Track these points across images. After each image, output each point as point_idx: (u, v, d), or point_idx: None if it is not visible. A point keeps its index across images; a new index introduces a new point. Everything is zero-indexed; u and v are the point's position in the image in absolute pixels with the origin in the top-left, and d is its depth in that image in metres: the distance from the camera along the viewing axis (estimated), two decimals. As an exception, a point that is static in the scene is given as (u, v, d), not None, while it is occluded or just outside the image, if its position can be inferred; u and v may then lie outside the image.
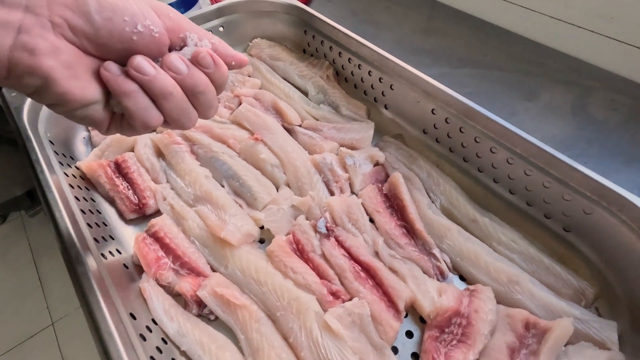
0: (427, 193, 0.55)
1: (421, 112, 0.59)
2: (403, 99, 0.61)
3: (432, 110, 0.57)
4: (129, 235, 0.52)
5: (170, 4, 0.75)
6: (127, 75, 0.27)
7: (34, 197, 1.61)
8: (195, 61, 0.29)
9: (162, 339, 0.41)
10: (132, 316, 0.38)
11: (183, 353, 0.41)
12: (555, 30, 0.78)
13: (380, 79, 0.63)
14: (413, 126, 0.62)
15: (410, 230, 0.51)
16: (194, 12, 0.72)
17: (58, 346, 1.29)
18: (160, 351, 0.38)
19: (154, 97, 0.28)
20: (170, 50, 0.30)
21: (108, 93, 0.28)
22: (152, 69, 0.27)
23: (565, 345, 0.40)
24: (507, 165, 0.51)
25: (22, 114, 0.52)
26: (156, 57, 0.29)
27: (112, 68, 0.27)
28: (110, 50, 0.27)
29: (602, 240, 0.45)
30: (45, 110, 0.57)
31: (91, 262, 0.39)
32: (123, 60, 0.28)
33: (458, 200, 0.53)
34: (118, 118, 0.31)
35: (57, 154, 0.53)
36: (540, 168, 0.47)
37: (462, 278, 0.48)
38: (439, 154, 0.59)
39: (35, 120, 0.54)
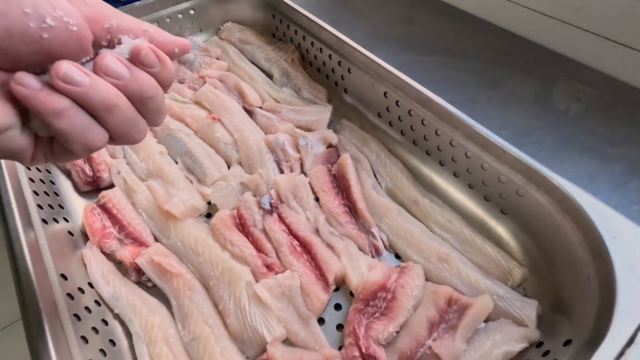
0: (375, 175, 0.56)
1: (375, 96, 0.60)
2: (360, 83, 0.62)
3: (385, 93, 0.58)
4: (80, 207, 0.54)
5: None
6: (52, 88, 0.21)
7: None
8: (136, 60, 0.24)
9: (96, 301, 0.42)
10: (64, 277, 0.40)
11: (116, 316, 0.43)
12: (525, 20, 0.78)
13: (339, 62, 0.64)
14: (369, 110, 0.63)
15: (352, 209, 0.52)
16: (162, -7, 0.73)
17: None
18: (90, 311, 0.40)
19: (94, 111, 0.23)
20: (95, 47, 0.23)
21: (24, 113, 0.22)
22: (85, 77, 0.21)
23: (486, 322, 0.41)
24: (450, 148, 0.51)
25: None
26: (79, 59, 0.23)
27: (27, 81, 0.21)
28: (15, 57, 0.20)
29: (532, 222, 0.45)
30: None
31: (25, 223, 0.41)
32: (34, 69, 0.21)
33: (402, 181, 0.53)
34: (45, 143, 0.24)
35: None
36: (479, 150, 0.48)
37: (397, 257, 0.49)
38: (391, 138, 0.60)
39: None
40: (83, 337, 0.36)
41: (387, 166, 0.55)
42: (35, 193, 0.47)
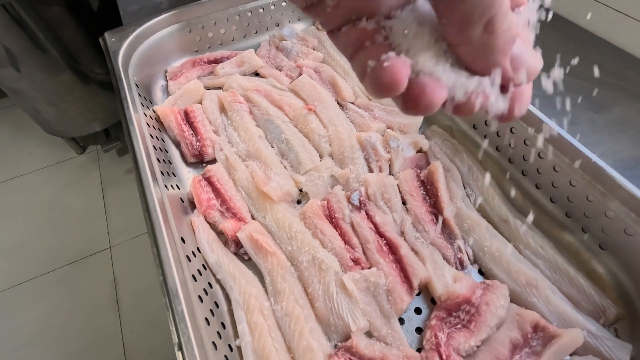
0: (465, 187, 0.56)
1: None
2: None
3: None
4: (187, 176, 0.59)
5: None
6: None
7: (110, 135, 1.80)
8: None
9: (203, 265, 0.48)
10: (182, 240, 0.45)
11: (218, 281, 0.48)
12: (646, 40, 0.71)
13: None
14: (463, 119, 0.62)
15: (439, 218, 0.53)
16: (273, -19, 0.76)
17: (112, 268, 1.47)
18: (200, 273, 0.45)
19: None
20: None
21: None
22: None
23: (571, 355, 0.41)
24: (552, 173, 0.50)
25: (118, 58, 0.60)
26: None
27: None
28: None
29: (637, 264, 0.43)
30: (135, 56, 0.65)
31: (157, 190, 0.47)
32: None
33: (494, 199, 0.53)
34: None
35: (140, 95, 0.61)
36: (587, 180, 0.46)
37: (481, 272, 0.49)
38: (485, 151, 0.59)
39: (127, 65, 0.62)
40: (199, 297, 0.41)
41: (479, 180, 0.55)
42: (158, 160, 0.52)
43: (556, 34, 0.82)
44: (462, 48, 0.17)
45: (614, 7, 0.74)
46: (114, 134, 1.65)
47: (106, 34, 0.64)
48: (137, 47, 0.66)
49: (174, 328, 0.35)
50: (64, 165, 1.85)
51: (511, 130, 0.54)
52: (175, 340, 0.35)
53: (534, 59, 0.18)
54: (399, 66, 0.16)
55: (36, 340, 1.22)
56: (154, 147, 0.54)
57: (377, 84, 0.16)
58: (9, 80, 1.22)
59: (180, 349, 0.34)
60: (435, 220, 0.53)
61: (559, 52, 0.78)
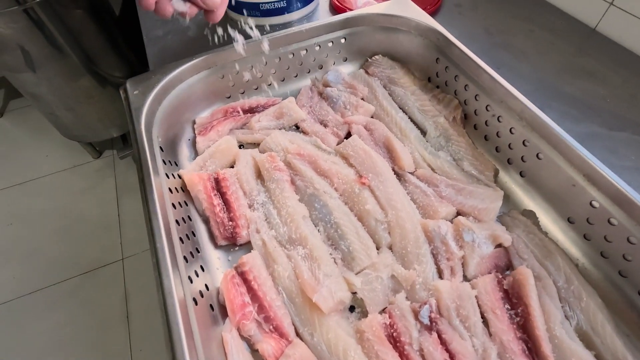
0: (562, 305, 0.44)
1: (573, 198, 0.47)
2: (551, 176, 0.50)
3: (591, 202, 0.45)
4: (215, 264, 0.50)
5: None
6: None
7: (127, 141, 1.75)
8: None
9: (237, 407, 0.38)
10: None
11: None
12: None
13: (524, 141, 0.52)
14: (557, 211, 0.51)
15: (532, 350, 0.42)
16: (320, 22, 0.65)
17: (124, 281, 1.42)
18: None
19: None
20: None
21: None
22: None
23: None
24: (690, 307, 0.38)
25: (141, 118, 0.51)
26: None
27: None
28: None
29: None
30: (160, 110, 0.56)
31: (181, 303, 0.37)
32: None
33: (604, 327, 0.42)
34: None
35: (165, 162, 0.52)
36: None
37: None
38: (585, 254, 0.48)
39: (151, 124, 0.53)
40: None
41: (583, 299, 0.44)
42: (181, 240, 0.43)
43: (622, 70, 0.69)
44: None
45: None
46: (131, 140, 1.60)
47: (128, 84, 0.55)
48: (163, 100, 0.56)
49: None
50: (79, 170, 1.83)
51: (629, 240, 0.42)
52: None
53: None
54: None
55: (48, 353, 1.20)
56: (180, 239, 0.44)
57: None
58: (28, 85, 1.21)
59: None
60: (526, 351, 0.42)
61: (631, 89, 0.65)
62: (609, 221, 0.44)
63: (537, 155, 0.51)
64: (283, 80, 0.69)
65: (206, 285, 0.45)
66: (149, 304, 1.33)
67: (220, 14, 0.45)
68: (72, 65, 1.18)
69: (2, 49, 1.07)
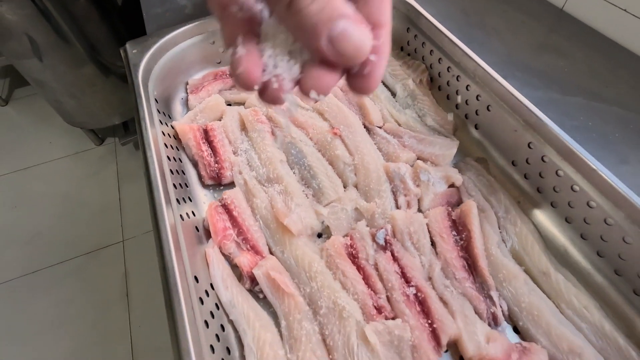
0: (500, 231, 0.51)
1: (515, 143, 0.54)
2: (499, 124, 0.57)
3: (529, 144, 0.52)
4: (203, 199, 0.57)
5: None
6: None
7: (128, 128, 1.81)
8: None
9: (216, 304, 0.45)
10: (196, 279, 0.43)
11: (230, 322, 0.45)
12: None
13: (478, 96, 0.59)
14: (502, 154, 0.57)
15: (471, 266, 0.49)
16: None
17: (124, 261, 1.48)
18: (213, 316, 0.42)
19: None
20: None
21: None
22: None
23: None
24: (603, 225, 0.45)
25: (139, 72, 0.58)
26: None
27: None
28: None
29: (700, 341, 0.38)
30: (156, 68, 0.63)
31: (171, 221, 0.44)
32: None
33: (533, 247, 0.49)
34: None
35: (159, 112, 0.59)
36: (644, 238, 0.41)
37: (516, 330, 0.45)
38: (524, 192, 0.54)
39: (147, 79, 0.60)
40: (211, 347, 0.38)
41: (517, 225, 0.50)
42: (174, 186, 0.50)
43: (606, 60, 0.76)
44: (287, 24, 0.19)
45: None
46: (132, 128, 1.65)
47: (128, 45, 0.62)
48: (159, 60, 0.63)
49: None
50: (82, 156, 1.88)
51: (557, 173, 0.49)
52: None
53: (361, 37, 0.18)
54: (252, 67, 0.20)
55: (49, 330, 1.24)
56: (171, 170, 0.51)
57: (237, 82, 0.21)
58: (33, 71, 1.25)
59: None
60: (467, 267, 0.49)
61: (609, 80, 0.72)
62: (542, 159, 0.51)
63: (487, 108, 0.58)
64: (269, 49, 0.76)
65: (193, 212, 0.52)
66: (148, 284, 1.38)
67: (376, 78, 0.21)
68: (76, 53, 1.22)
69: (8, 35, 1.11)
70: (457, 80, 0.62)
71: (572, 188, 0.48)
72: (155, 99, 0.60)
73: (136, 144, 1.73)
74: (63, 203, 1.65)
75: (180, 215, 0.47)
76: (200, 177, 0.59)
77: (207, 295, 0.44)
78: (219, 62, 0.73)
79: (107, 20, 1.25)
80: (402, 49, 0.75)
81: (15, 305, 1.30)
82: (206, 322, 0.40)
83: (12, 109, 2.12)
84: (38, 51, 1.18)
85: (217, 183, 0.58)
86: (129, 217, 1.61)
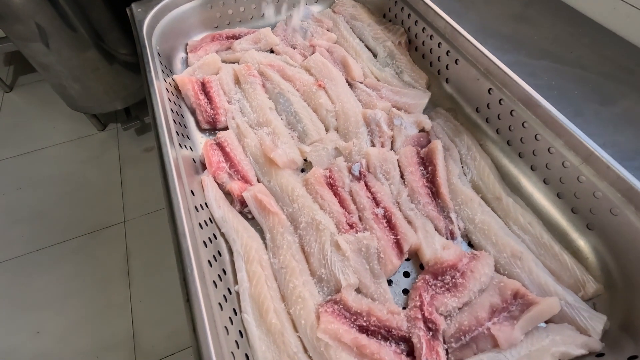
0: (462, 165, 0.58)
1: (478, 91, 0.61)
2: (464, 75, 0.63)
3: (489, 89, 0.59)
4: (200, 141, 0.63)
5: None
6: None
7: (130, 114, 1.87)
8: None
9: (209, 218, 0.52)
10: (192, 192, 0.49)
11: (222, 234, 0.52)
12: (660, 37, 0.71)
13: (447, 52, 0.66)
14: (468, 103, 0.64)
15: (434, 193, 0.55)
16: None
17: (125, 241, 1.53)
18: (206, 224, 0.49)
19: None
20: None
21: None
22: None
23: (547, 322, 0.43)
24: (547, 154, 0.52)
25: (143, 27, 0.65)
26: None
27: None
28: None
29: (620, 243, 0.45)
30: (159, 27, 0.69)
31: (172, 148, 0.51)
32: None
33: (489, 177, 0.55)
34: None
35: (162, 64, 0.65)
36: (579, 162, 0.48)
37: (470, 245, 0.52)
38: (485, 134, 0.61)
39: (151, 34, 0.66)
40: (204, 242, 0.45)
41: (476, 160, 0.57)
42: (175, 122, 0.56)
43: (572, 29, 0.82)
44: None
45: (633, 3, 0.74)
46: (134, 113, 1.70)
47: (133, 5, 0.69)
48: (161, 19, 0.70)
49: (179, 262, 0.39)
50: (85, 141, 1.91)
51: (511, 113, 0.56)
52: (181, 274, 0.39)
53: None
54: None
55: (53, 303, 1.29)
56: (172, 110, 0.58)
57: None
58: (39, 55, 1.27)
59: (185, 280, 0.38)
60: (430, 194, 0.55)
61: (573, 46, 0.79)
62: (499, 102, 0.57)
63: (455, 62, 0.64)
64: (263, 16, 0.82)
65: (190, 147, 0.59)
66: (148, 262, 1.44)
67: None
68: (80, 38, 1.24)
69: (14, 19, 1.14)
70: (431, 39, 0.69)
71: (523, 125, 0.54)
72: (158, 53, 0.67)
73: (138, 130, 1.77)
74: (66, 184, 1.68)
75: (180, 145, 0.54)
76: (197, 122, 0.65)
77: (202, 208, 0.51)
78: (217, 27, 0.80)
79: (111, 7, 1.27)
80: (384, 15, 0.81)
81: (21, 280, 1.33)
82: (200, 225, 0.47)
83: (17, 95, 2.14)
84: (43, 35, 1.20)
85: (213, 127, 0.65)
86: (130, 199, 1.65)
